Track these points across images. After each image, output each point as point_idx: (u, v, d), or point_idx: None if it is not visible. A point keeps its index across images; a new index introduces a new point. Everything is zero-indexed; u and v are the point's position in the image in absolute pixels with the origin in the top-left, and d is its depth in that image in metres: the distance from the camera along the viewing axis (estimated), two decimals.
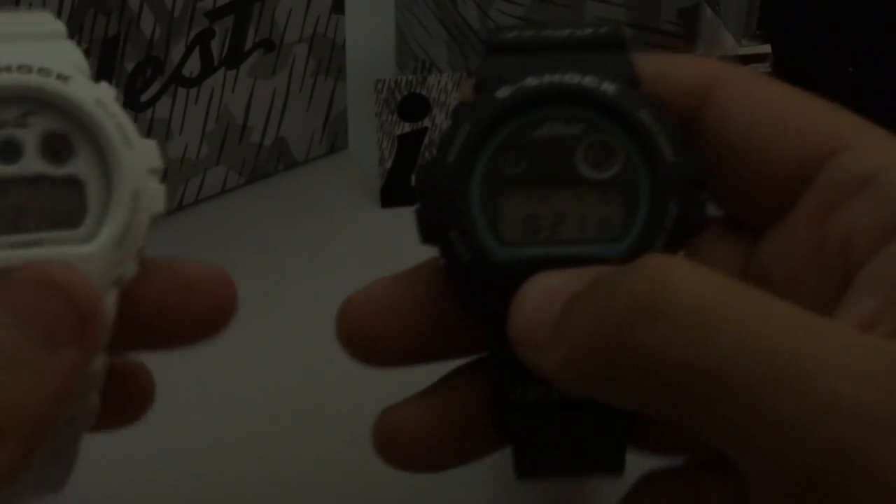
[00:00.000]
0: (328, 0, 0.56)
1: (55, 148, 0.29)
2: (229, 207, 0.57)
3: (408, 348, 0.32)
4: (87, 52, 0.53)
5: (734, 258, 0.32)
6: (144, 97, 0.53)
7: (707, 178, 0.30)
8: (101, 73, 0.52)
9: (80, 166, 0.29)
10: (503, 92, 0.30)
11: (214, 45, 0.54)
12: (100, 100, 0.29)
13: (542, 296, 0.28)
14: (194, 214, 0.56)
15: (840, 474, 0.25)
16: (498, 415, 0.31)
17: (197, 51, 0.54)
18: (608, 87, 0.30)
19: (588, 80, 0.30)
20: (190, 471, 0.45)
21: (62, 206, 0.29)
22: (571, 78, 0.30)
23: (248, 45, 0.55)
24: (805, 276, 0.30)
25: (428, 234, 0.30)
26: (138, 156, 0.29)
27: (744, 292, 0.26)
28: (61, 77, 0.29)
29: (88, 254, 0.28)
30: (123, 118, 0.29)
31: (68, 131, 0.29)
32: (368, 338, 0.32)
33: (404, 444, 0.32)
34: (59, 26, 0.30)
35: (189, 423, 0.47)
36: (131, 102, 0.53)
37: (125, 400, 0.31)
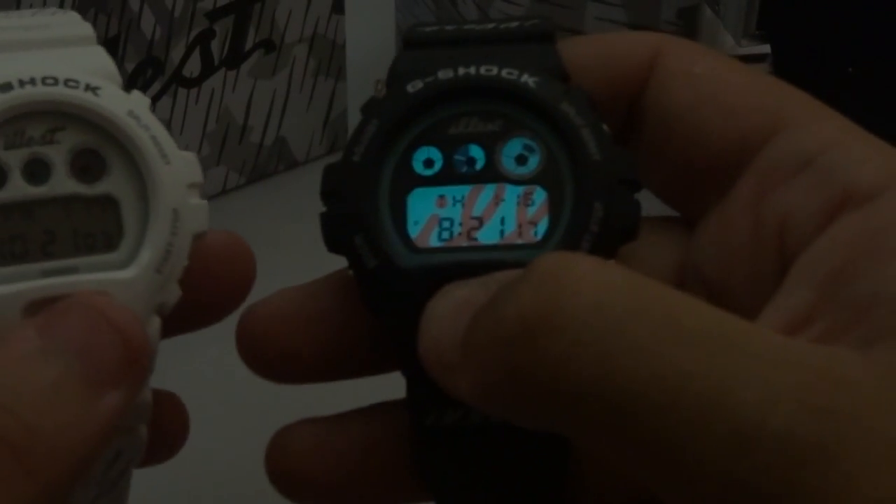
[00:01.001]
0: (328, 0, 0.56)
1: (86, 165, 0.26)
2: (229, 207, 0.57)
3: (311, 363, 0.29)
4: None
5: (677, 255, 0.29)
6: None
7: (638, 177, 0.27)
8: None
9: (115, 184, 0.26)
10: (414, 86, 0.27)
11: (215, 46, 0.54)
12: (133, 111, 0.26)
13: (449, 311, 0.25)
14: None
15: None
16: (413, 445, 0.28)
17: (197, 51, 0.54)
18: (528, 80, 0.27)
19: (506, 73, 0.27)
20: (190, 471, 0.45)
21: (97, 228, 0.26)
22: (488, 70, 0.27)
23: (249, 45, 0.55)
24: (739, 267, 0.27)
25: (333, 240, 0.28)
26: (177, 170, 0.27)
27: (654, 296, 0.23)
28: (90, 88, 0.26)
29: (128, 279, 0.26)
30: (159, 130, 0.27)
31: (100, 147, 0.26)
32: (269, 350, 0.29)
33: (292, 467, 0.30)
34: (87, 30, 0.27)
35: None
36: None
37: (159, 434, 0.29)
